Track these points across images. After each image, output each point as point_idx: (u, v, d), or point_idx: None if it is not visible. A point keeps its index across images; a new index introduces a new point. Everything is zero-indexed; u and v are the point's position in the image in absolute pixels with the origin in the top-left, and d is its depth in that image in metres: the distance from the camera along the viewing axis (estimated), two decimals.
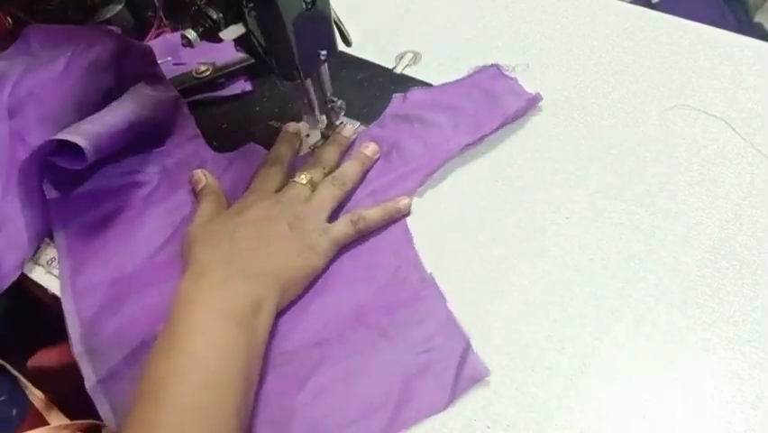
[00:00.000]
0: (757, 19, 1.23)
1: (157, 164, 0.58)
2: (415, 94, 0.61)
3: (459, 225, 0.52)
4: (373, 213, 0.51)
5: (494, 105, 0.58)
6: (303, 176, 0.52)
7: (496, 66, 0.62)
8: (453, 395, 0.42)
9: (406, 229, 0.51)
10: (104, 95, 0.58)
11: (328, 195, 0.51)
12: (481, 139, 0.57)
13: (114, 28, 0.64)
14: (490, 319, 0.47)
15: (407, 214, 0.52)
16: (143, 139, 0.58)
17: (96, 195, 0.55)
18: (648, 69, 0.62)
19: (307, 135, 0.60)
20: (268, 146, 0.58)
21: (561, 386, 0.43)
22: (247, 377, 0.41)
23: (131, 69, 0.59)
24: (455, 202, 0.54)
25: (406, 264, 0.49)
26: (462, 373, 0.43)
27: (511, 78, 0.60)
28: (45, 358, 0.56)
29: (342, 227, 0.50)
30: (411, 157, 0.56)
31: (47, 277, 0.53)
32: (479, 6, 0.70)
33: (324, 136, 0.58)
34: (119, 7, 0.68)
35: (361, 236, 0.51)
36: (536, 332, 0.46)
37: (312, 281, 0.49)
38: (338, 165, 0.55)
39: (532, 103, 0.59)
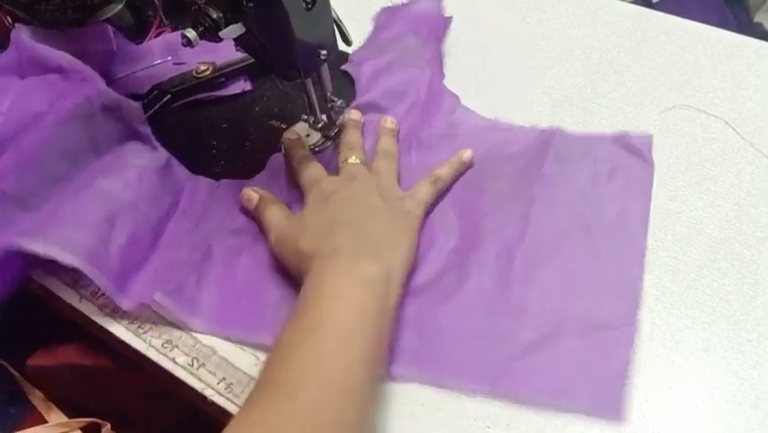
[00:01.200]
0: (757, 19, 1.22)
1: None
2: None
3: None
4: (445, 171, 0.53)
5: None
6: (353, 157, 0.53)
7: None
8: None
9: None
10: (87, 146, 0.53)
11: (389, 168, 0.53)
12: None
13: (110, 28, 0.63)
14: None
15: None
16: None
17: None
18: (648, 69, 0.62)
19: (307, 135, 0.60)
20: (268, 146, 0.59)
21: None
22: (379, 339, 0.42)
23: (119, 124, 0.55)
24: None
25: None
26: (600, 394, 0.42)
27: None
28: (45, 358, 0.56)
29: (426, 188, 0.51)
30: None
31: (46, 277, 0.53)
32: (478, 7, 0.70)
33: (325, 136, 0.58)
34: (119, 7, 0.68)
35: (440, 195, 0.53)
36: None
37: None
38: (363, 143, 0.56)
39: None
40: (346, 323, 0.41)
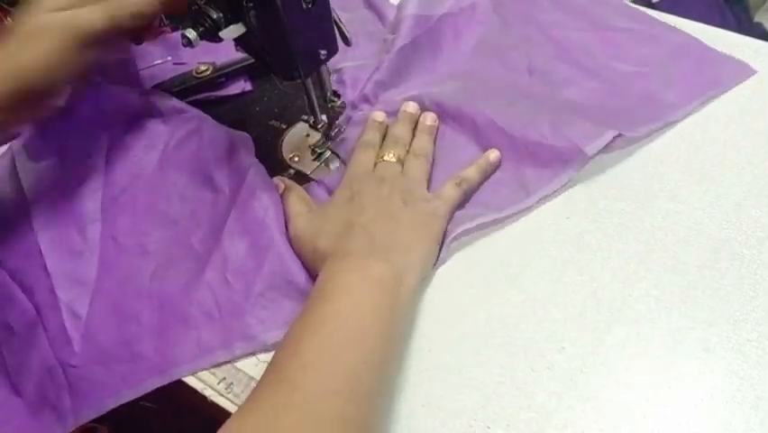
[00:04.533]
0: (757, 19, 1.22)
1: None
2: None
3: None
4: (472, 173, 0.53)
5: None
6: (390, 154, 0.53)
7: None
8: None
9: None
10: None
11: (419, 167, 0.53)
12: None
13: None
14: (491, 319, 0.47)
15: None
16: None
17: None
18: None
19: (307, 135, 0.60)
20: (268, 146, 0.58)
21: (561, 386, 0.43)
22: (389, 337, 0.42)
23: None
24: None
25: None
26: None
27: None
28: None
29: (451, 190, 0.51)
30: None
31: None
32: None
33: (325, 135, 0.58)
34: None
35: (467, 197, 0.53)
36: (536, 332, 0.46)
37: None
38: (411, 139, 0.57)
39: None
40: (353, 321, 0.41)
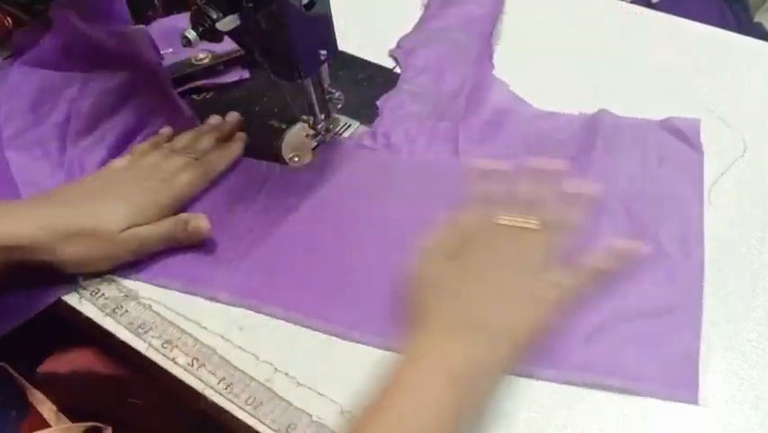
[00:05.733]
0: (757, 19, 1.22)
1: None
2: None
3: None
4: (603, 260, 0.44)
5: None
6: (533, 220, 0.44)
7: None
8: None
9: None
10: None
11: (556, 243, 0.44)
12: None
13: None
14: None
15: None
16: None
17: None
18: (648, 69, 0.62)
19: (307, 135, 0.60)
20: (267, 146, 0.59)
21: (561, 386, 0.43)
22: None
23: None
24: None
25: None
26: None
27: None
28: (56, 364, 0.56)
29: (571, 278, 0.43)
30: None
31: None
32: None
33: (327, 130, 0.58)
34: None
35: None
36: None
37: None
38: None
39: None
40: (420, 426, 0.37)
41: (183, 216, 0.52)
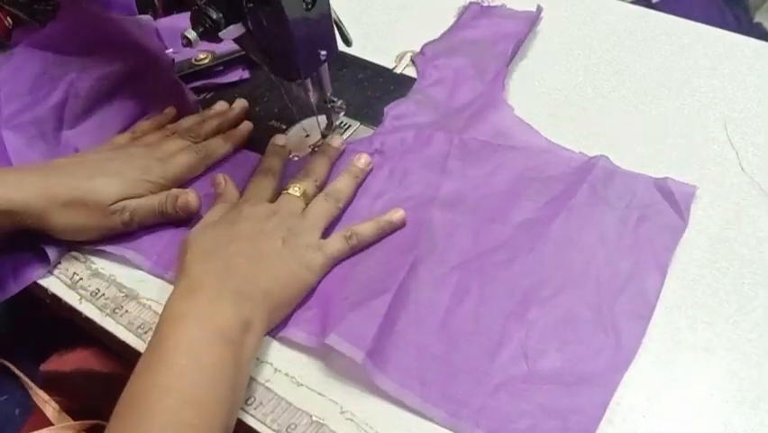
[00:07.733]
0: (757, 19, 1.22)
1: None
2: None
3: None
4: (366, 228, 0.50)
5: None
6: (296, 188, 0.51)
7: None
8: None
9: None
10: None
11: (322, 211, 0.50)
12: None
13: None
14: None
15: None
16: None
17: None
18: (648, 69, 0.62)
19: (307, 135, 0.60)
20: (267, 146, 0.58)
21: None
22: (230, 396, 0.40)
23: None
24: None
25: None
26: None
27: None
28: (59, 363, 0.55)
29: (337, 243, 0.49)
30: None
31: (45, 278, 0.53)
32: None
33: (324, 136, 0.58)
34: None
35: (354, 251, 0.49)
36: None
37: None
38: (328, 176, 0.54)
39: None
40: (195, 388, 0.38)
41: (174, 191, 0.53)
